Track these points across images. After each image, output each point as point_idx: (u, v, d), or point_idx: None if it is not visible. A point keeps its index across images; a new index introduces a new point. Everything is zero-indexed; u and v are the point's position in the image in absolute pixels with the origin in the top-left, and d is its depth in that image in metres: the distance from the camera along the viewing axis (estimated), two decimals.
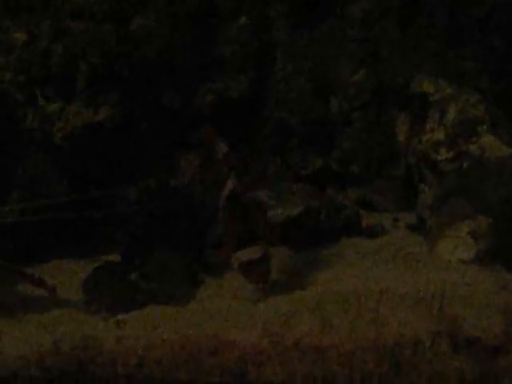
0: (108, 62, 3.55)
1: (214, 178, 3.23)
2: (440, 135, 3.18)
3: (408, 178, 3.37)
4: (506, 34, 3.57)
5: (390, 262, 3.06)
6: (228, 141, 3.22)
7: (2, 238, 3.20)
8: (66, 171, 3.49)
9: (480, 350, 2.23)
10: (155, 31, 3.62)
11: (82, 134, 3.49)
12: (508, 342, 2.25)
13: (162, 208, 3.28)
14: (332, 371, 2.23)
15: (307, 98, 3.71)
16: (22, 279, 3.08)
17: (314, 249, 3.20)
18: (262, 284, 2.89)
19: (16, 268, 3.06)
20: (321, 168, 3.66)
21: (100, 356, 2.42)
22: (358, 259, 3.12)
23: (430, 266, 2.97)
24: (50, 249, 3.35)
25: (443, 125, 3.19)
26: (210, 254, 3.17)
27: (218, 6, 3.73)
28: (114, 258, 3.27)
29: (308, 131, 3.69)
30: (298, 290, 2.85)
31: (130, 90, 3.56)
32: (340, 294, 2.68)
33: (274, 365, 2.28)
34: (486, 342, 2.25)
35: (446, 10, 3.62)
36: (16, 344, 2.57)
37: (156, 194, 3.36)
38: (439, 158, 3.17)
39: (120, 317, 2.78)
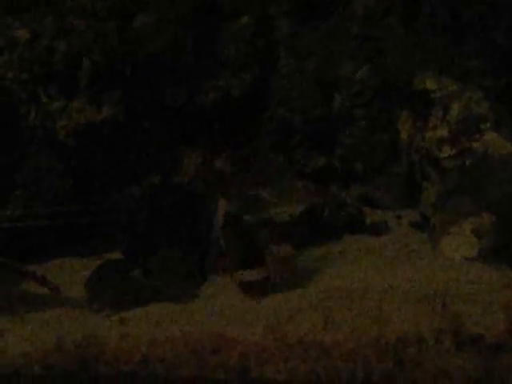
0: (111, 59, 3.56)
1: (215, 177, 3.24)
2: (443, 132, 3.18)
3: (411, 176, 3.37)
4: (509, 31, 3.56)
5: (393, 260, 3.06)
6: (230, 139, 3.22)
7: (4, 236, 3.20)
8: (68, 168, 3.50)
9: (484, 348, 2.23)
10: (158, 29, 3.62)
11: (84, 132, 3.50)
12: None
13: (165, 205, 3.28)
14: (335, 368, 2.22)
15: (310, 95, 3.70)
16: (24, 277, 3.08)
17: (317, 246, 3.20)
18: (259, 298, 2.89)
19: (19, 266, 3.06)
20: (324, 165, 3.66)
21: (103, 354, 2.41)
22: (361, 256, 3.12)
23: (434, 263, 2.96)
24: (53, 247, 3.35)
25: (446, 122, 3.18)
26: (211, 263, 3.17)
27: (221, 4, 3.73)
28: (117, 255, 3.27)
29: (311, 129, 3.69)
30: (300, 288, 2.84)
31: (133, 87, 3.56)
32: (343, 291, 2.68)
33: (277, 362, 2.27)
34: (489, 340, 2.25)
35: (448, 7, 3.61)
36: (19, 342, 2.57)
37: (159, 192, 3.36)
38: (442, 155, 3.16)
39: (123, 314, 2.78)
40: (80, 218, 3.25)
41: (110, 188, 3.51)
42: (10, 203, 3.37)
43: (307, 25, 3.72)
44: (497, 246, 2.97)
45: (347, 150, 3.66)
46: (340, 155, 3.67)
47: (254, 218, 3.17)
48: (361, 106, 3.66)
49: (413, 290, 2.64)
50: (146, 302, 2.88)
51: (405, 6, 3.67)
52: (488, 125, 3.16)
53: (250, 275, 2.89)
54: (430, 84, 3.28)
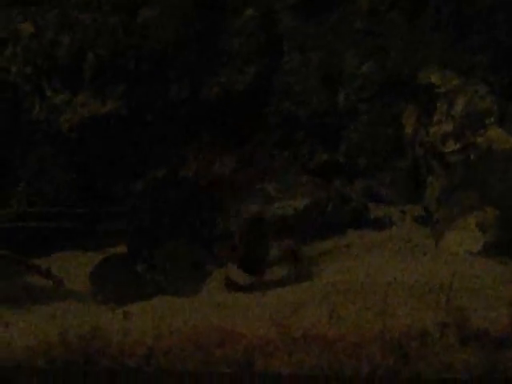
0: (115, 53, 3.55)
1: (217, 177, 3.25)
2: (448, 127, 3.18)
3: (415, 170, 3.36)
4: None
5: (398, 254, 3.06)
6: (234, 133, 3.22)
7: (8, 229, 3.20)
8: (72, 162, 3.50)
9: (488, 342, 2.23)
10: (162, 23, 3.62)
11: (89, 125, 3.50)
12: None
13: (170, 199, 3.28)
14: (339, 362, 2.23)
15: (314, 90, 3.70)
16: (29, 270, 3.08)
17: (321, 241, 3.20)
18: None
19: (23, 259, 3.06)
20: (328, 160, 3.66)
21: (107, 347, 2.42)
22: (366, 251, 3.12)
23: (438, 258, 2.97)
24: (57, 240, 3.35)
25: (451, 116, 3.18)
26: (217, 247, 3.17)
27: None
28: (121, 249, 3.27)
29: (315, 123, 3.69)
30: (305, 282, 2.85)
31: (137, 81, 3.56)
32: (347, 285, 2.68)
33: (282, 356, 2.28)
34: (493, 334, 2.25)
35: (452, 1, 3.61)
36: (23, 335, 2.57)
37: (163, 185, 3.36)
38: (446, 149, 3.16)
39: (127, 308, 2.78)
40: (83, 216, 3.25)
41: (113, 182, 3.51)
42: (14, 197, 3.37)
43: (311, 19, 3.71)
44: (501, 240, 2.97)
45: (351, 144, 3.66)
46: (344, 150, 3.66)
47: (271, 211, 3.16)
48: (365, 101, 3.66)
49: (417, 285, 2.64)
50: (150, 296, 2.88)
51: (409, 0, 3.66)
52: (492, 120, 3.16)
53: (238, 276, 2.89)
54: (435, 79, 3.28)
